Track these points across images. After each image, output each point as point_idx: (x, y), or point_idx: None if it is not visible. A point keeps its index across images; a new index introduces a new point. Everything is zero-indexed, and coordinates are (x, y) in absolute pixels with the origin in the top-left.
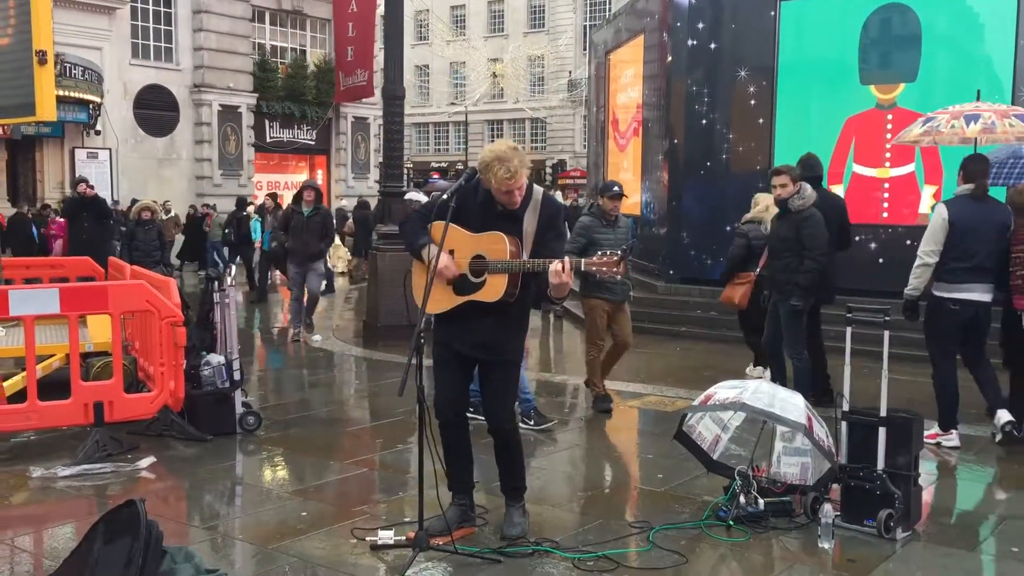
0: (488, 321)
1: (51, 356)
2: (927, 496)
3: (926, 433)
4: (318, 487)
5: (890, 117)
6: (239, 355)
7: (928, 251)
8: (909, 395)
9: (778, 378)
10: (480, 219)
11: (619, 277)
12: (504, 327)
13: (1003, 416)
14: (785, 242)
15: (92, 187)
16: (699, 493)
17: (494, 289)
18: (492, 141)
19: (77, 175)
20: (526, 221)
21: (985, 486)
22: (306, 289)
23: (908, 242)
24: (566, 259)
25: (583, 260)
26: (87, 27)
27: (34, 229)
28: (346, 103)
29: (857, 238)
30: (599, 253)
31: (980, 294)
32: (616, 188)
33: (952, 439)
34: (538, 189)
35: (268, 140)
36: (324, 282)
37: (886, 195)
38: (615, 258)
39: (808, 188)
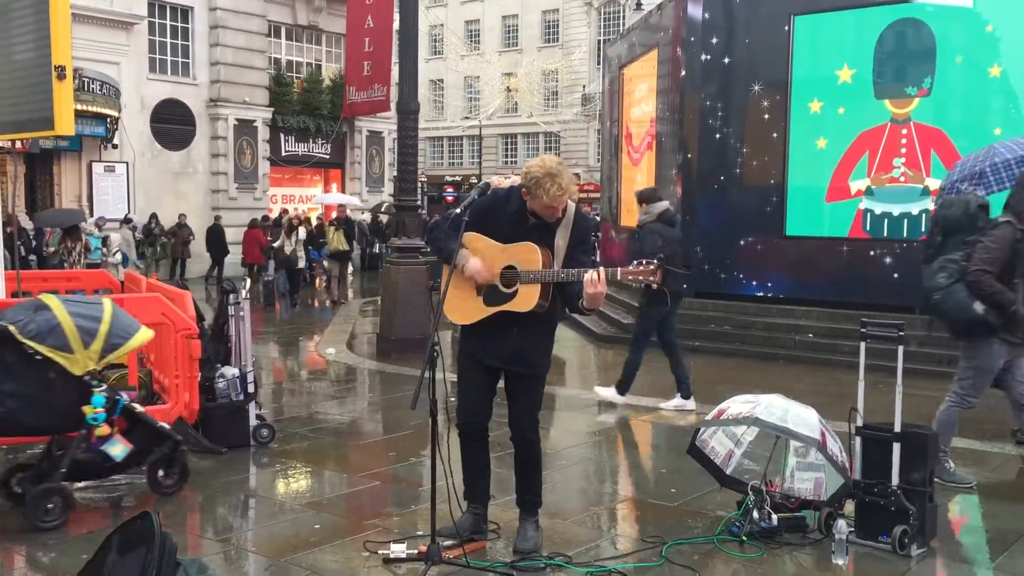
0: (516, 333)
1: None
2: (943, 512)
3: None
4: (331, 500)
5: (904, 132)
6: (253, 367)
7: None
8: (924, 411)
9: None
10: (510, 230)
11: (655, 285)
12: (533, 339)
13: None
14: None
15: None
16: (712, 508)
17: (527, 299)
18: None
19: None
20: (558, 235)
21: (1002, 502)
22: None
23: None
24: (601, 268)
25: (619, 269)
26: (105, 42)
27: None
28: (361, 117)
29: (871, 252)
30: (635, 262)
31: None
32: None
33: None
34: (571, 204)
35: (283, 154)
36: None
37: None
38: (652, 267)
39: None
